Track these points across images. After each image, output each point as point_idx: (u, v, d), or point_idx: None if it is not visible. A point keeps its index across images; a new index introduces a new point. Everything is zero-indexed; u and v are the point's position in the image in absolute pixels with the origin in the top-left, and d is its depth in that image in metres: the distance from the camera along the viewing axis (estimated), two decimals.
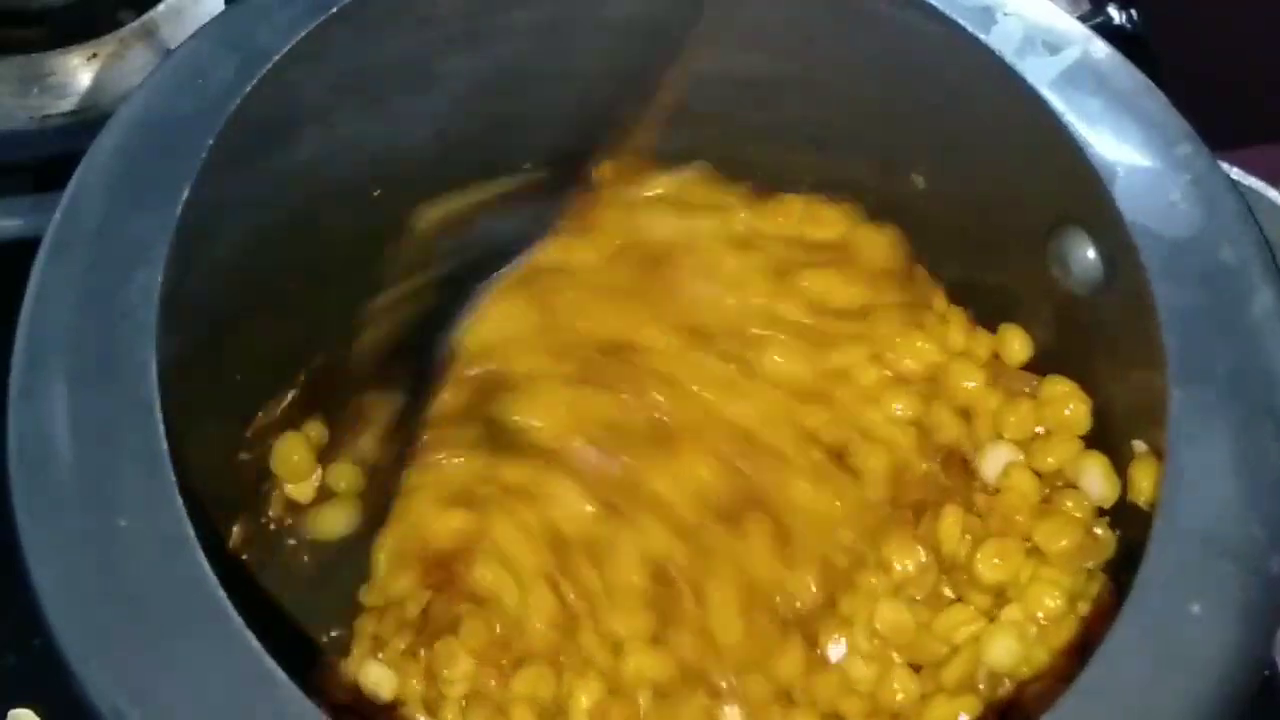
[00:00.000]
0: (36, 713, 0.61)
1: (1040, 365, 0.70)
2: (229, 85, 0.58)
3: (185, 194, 0.56)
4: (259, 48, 0.59)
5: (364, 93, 0.65)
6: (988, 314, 0.72)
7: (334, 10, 0.61)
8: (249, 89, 0.58)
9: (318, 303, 0.72)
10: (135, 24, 0.87)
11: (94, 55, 0.85)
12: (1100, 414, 0.67)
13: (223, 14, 0.62)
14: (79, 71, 0.85)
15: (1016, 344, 0.70)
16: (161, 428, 0.51)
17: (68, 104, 0.84)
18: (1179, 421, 0.54)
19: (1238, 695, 0.50)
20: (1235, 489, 0.53)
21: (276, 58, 0.59)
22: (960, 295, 0.73)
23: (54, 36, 0.86)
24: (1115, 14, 0.84)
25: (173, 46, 0.82)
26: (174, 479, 0.50)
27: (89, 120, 0.84)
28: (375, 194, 0.70)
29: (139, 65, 0.85)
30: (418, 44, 0.65)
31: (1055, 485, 0.67)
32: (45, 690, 0.61)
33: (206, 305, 0.62)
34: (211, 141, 0.57)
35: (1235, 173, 0.67)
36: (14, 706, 0.61)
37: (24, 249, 0.56)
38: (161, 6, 0.87)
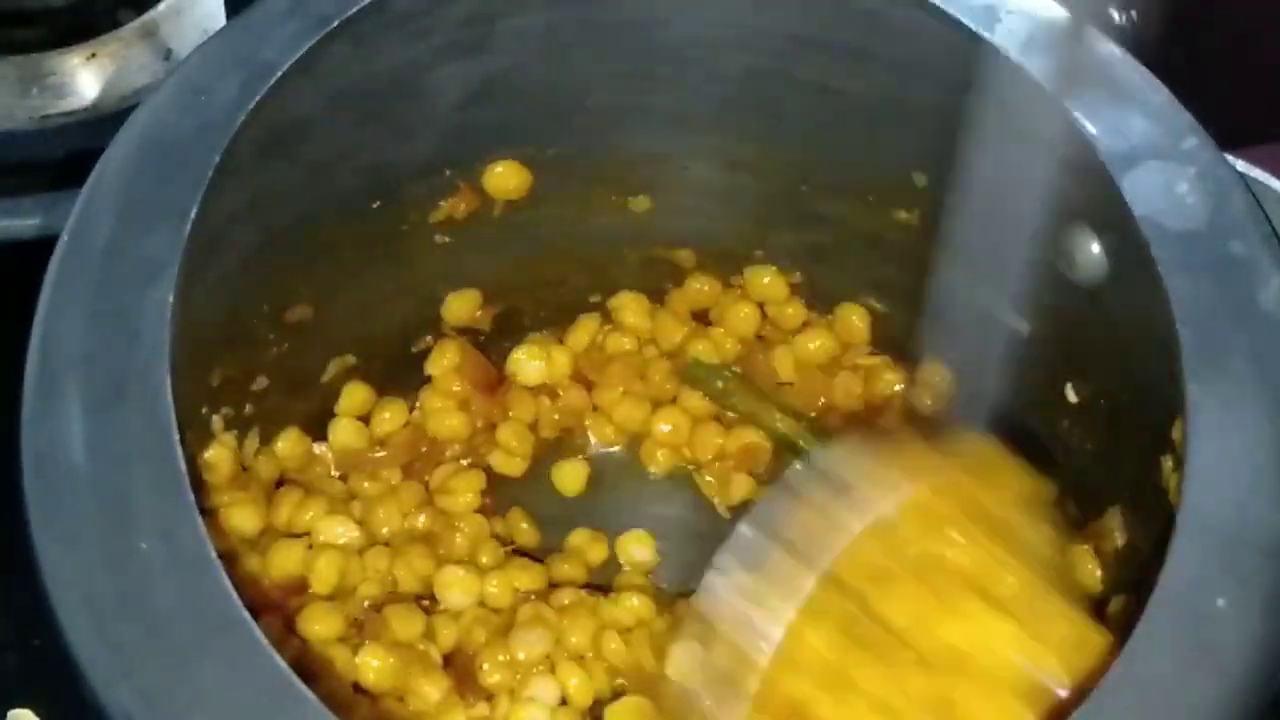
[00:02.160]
0: (36, 713, 0.61)
1: (1045, 361, 0.70)
2: (233, 101, 0.59)
3: (194, 212, 0.56)
4: (262, 62, 0.59)
5: (364, 105, 0.65)
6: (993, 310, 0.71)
7: (335, 24, 0.61)
8: (253, 104, 0.59)
9: (321, 315, 0.72)
10: (135, 24, 0.86)
11: (94, 55, 0.85)
12: (1110, 413, 0.67)
13: (225, 29, 0.62)
14: (79, 71, 0.85)
15: None
16: (179, 449, 0.51)
17: (68, 104, 0.84)
18: (1197, 415, 0.54)
19: (1266, 689, 0.50)
20: (1257, 481, 0.53)
21: (280, 72, 0.59)
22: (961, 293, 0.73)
23: (54, 36, 0.86)
24: (1115, 14, 0.84)
25: (173, 46, 0.83)
26: (192, 500, 0.51)
27: (89, 120, 0.83)
28: (375, 205, 0.71)
29: (139, 65, 0.85)
30: (416, 55, 0.65)
31: None
32: (45, 690, 0.61)
33: (211, 319, 0.63)
34: (218, 158, 0.57)
35: (1241, 165, 0.67)
36: (14, 706, 0.61)
37: (39, 248, 0.56)
38: (161, 6, 0.87)
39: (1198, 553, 0.52)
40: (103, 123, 0.81)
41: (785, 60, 0.67)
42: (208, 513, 0.65)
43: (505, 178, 0.73)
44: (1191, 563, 0.52)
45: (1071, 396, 0.69)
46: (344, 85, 0.63)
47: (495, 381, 0.79)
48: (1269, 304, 0.56)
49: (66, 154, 0.80)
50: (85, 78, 0.85)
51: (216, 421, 0.68)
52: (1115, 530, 0.65)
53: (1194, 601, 0.51)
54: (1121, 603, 0.62)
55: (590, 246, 0.79)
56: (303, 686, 0.48)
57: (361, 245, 0.72)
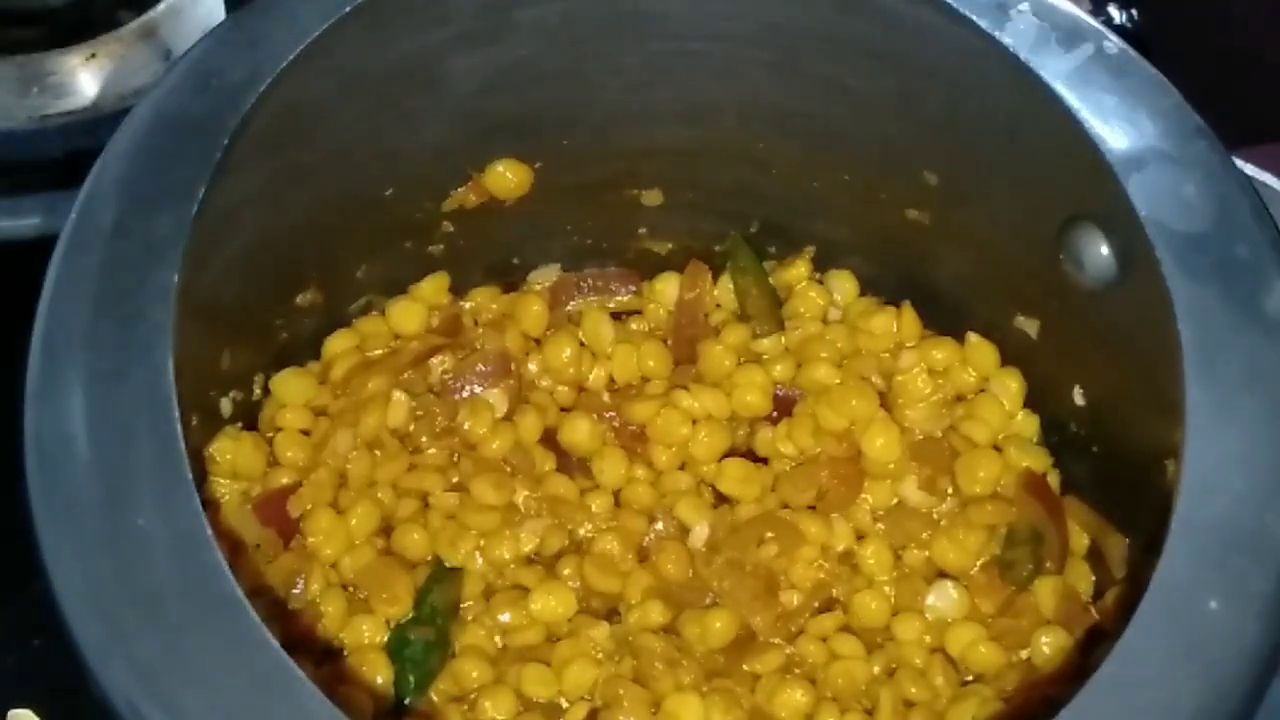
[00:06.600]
0: (36, 713, 0.61)
1: (1051, 362, 0.71)
2: (243, 85, 0.59)
3: (201, 194, 0.56)
4: (273, 48, 0.60)
5: (375, 92, 0.66)
6: (1001, 311, 0.72)
7: (346, 10, 0.61)
8: (263, 89, 0.59)
9: (330, 300, 0.73)
10: (135, 24, 0.87)
11: (94, 55, 0.85)
12: (1112, 412, 0.68)
13: (236, 14, 0.62)
14: (79, 71, 0.85)
15: None
16: (179, 427, 0.51)
17: (68, 104, 0.84)
18: (1196, 417, 0.54)
19: (1256, 690, 0.50)
20: (1253, 484, 0.53)
21: (290, 58, 0.59)
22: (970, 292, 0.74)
23: (54, 36, 0.86)
24: (1116, 14, 0.84)
25: (173, 46, 0.83)
26: (190, 478, 0.51)
27: (89, 120, 0.84)
28: (388, 193, 0.71)
29: (139, 65, 0.85)
30: (428, 44, 0.65)
31: None
32: (45, 690, 0.61)
33: (218, 302, 0.63)
34: (226, 141, 0.57)
35: (1249, 168, 0.67)
36: (14, 706, 0.61)
37: (39, 248, 0.56)
38: (161, 6, 0.87)
39: (1192, 554, 0.52)
40: (103, 122, 0.81)
41: (798, 56, 0.68)
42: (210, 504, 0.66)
43: (504, 176, 0.73)
44: (1185, 564, 0.52)
45: (1079, 399, 0.70)
46: (357, 71, 0.64)
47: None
48: (1272, 308, 0.57)
49: (66, 154, 0.81)
50: (85, 78, 0.85)
51: (225, 405, 0.69)
52: (1119, 534, 0.66)
53: (1186, 602, 0.51)
54: (1116, 600, 0.63)
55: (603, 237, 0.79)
56: (294, 665, 0.48)
57: (374, 232, 0.72)
